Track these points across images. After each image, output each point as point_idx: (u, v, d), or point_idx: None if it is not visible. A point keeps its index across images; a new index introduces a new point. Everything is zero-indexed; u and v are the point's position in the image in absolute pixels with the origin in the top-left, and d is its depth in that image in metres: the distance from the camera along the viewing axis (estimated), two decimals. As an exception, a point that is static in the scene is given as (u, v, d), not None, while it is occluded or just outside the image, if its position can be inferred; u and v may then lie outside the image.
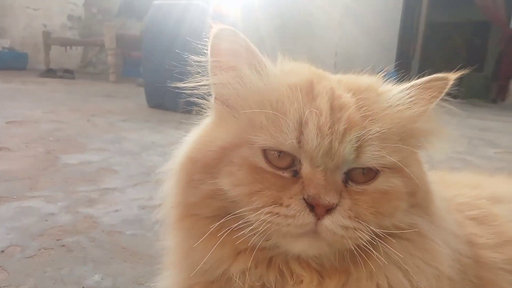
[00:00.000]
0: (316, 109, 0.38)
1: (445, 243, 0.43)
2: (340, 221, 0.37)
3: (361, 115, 0.39)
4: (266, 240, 0.40)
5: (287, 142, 0.38)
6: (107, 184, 1.32)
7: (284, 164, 0.39)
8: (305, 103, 0.39)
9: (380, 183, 0.40)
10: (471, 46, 11.20)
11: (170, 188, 0.48)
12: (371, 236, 0.38)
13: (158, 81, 3.08)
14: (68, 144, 1.84)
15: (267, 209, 0.37)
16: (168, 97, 3.23)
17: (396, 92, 0.44)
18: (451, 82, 0.46)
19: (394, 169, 0.40)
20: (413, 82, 0.45)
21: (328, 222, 0.37)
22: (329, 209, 0.37)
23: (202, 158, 0.43)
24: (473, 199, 0.56)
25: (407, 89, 0.44)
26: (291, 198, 0.37)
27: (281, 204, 0.37)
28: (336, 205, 0.37)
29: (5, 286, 0.71)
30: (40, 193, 1.17)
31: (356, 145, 0.38)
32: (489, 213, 0.54)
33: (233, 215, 0.40)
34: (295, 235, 0.38)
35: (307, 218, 0.37)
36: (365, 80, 0.48)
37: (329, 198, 0.36)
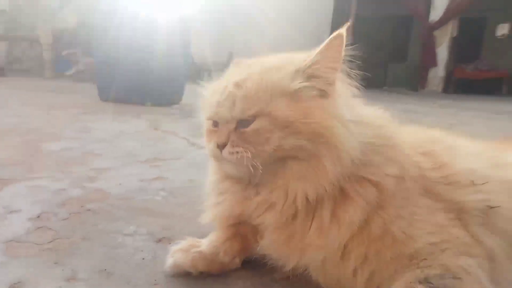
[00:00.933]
0: (219, 92, 0.66)
1: (335, 161, 0.59)
2: (228, 150, 0.62)
3: (235, 86, 0.63)
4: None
5: (211, 114, 0.66)
6: (98, 165, 1.43)
7: (217, 123, 0.66)
8: (218, 89, 0.68)
9: (254, 125, 0.61)
10: (395, 39, 12.11)
11: None
12: (254, 157, 0.60)
13: (111, 75, 3.15)
14: (42, 134, 1.90)
15: (208, 148, 0.67)
16: (121, 90, 3.28)
17: (286, 64, 0.64)
18: (342, 36, 0.60)
19: (263, 115, 0.60)
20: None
21: (224, 151, 0.62)
22: (224, 145, 0.62)
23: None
24: (420, 141, 0.80)
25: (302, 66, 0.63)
26: (213, 142, 0.65)
27: (211, 145, 0.65)
28: (227, 143, 0.62)
29: (58, 239, 0.84)
30: (41, 175, 1.27)
31: (230, 107, 0.63)
32: (430, 149, 0.77)
33: None
34: (220, 161, 0.66)
35: (216, 151, 0.64)
36: (278, 60, 0.68)
37: (221, 140, 0.62)
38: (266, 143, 0.60)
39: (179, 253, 0.72)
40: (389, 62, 11.87)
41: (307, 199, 0.60)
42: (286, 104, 0.60)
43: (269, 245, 0.66)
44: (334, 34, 0.60)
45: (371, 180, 0.60)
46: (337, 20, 9.88)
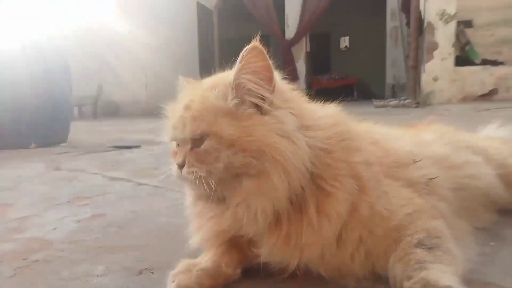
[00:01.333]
0: (174, 115, 0.70)
1: (283, 176, 0.62)
2: (186, 169, 0.66)
3: (185, 109, 0.68)
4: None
5: (169, 136, 0.70)
6: (16, 215, 1.23)
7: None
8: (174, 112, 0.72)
9: (204, 145, 0.65)
10: (258, 57, 13.00)
11: None
12: (209, 175, 0.63)
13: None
14: None
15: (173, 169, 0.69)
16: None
17: (217, 83, 0.69)
18: (257, 48, 0.64)
19: (211, 135, 0.64)
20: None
21: (183, 171, 0.66)
22: (183, 165, 0.66)
23: None
24: (365, 132, 0.89)
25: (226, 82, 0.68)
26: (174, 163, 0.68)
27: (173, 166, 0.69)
28: (185, 162, 0.66)
29: None
30: None
31: (181, 128, 0.67)
32: (375, 139, 0.83)
33: None
34: (182, 181, 0.69)
35: (177, 171, 0.67)
36: (212, 80, 0.72)
37: (179, 160, 0.66)
38: (216, 161, 0.63)
39: (180, 275, 0.69)
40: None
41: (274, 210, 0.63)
42: (229, 123, 0.63)
43: (269, 251, 0.66)
44: (248, 47, 0.63)
45: (344, 172, 0.65)
46: (204, 44, 10.21)
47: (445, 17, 5.24)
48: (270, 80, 0.63)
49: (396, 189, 0.69)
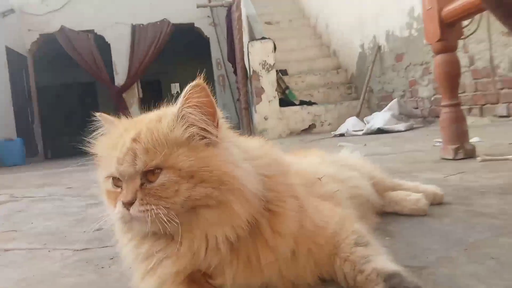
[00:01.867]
0: (116, 149, 0.66)
1: (243, 204, 0.64)
2: (137, 208, 0.63)
3: (133, 142, 0.66)
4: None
5: (109, 172, 0.67)
6: None
7: (119, 183, 0.67)
8: (114, 146, 0.67)
9: (160, 179, 0.64)
10: (84, 104, 12.17)
11: None
12: (168, 211, 0.62)
13: None
14: None
15: (113, 212, 0.66)
16: None
17: (162, 116, 0.69)
18: (201, 85, 0.65)
19: (168, 168, 0.64)
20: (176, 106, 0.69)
21: (132, 210, 0.63)
22: (132, 203, 0.63)
23: None
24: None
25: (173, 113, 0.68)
26: (118, 202, 0.65)
27: (115, 207, 0.65)
28: (135, 200, 0.64)
29: None
30: None
31: (131, 161, 0.64)
32: (289, 163, 0.97)
33: None
34: (129, 221, 0.65)
35: (123, 211, 0.64)
36: (158, 113, 0.72)
37: (128, 198, 0.63)
38: (176, 195, 0.61)
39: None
40: (85, 128, 11.76)
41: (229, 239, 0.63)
42: (186, 155, 0.62)
43: (233, 278, 0.65)
44: (192, 83, 0.64)
45: (287, 194, 0.70)
46: (18, 91, 8.99)
47: (266, 67, 6.03)
48: (213, 115, 0.65)
49: (321, 203, 0.78)
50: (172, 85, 13.67)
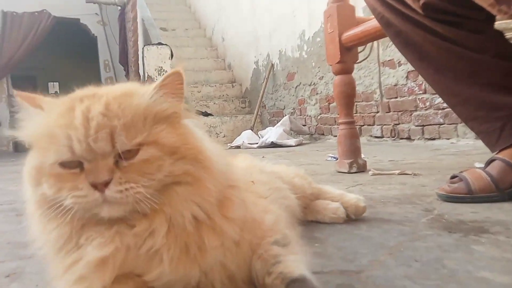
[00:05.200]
0: (75, 127, 0.58)
1: (214, 182, 0.64)
2: (115, 188, 0.57)
3: (107, 117, 0.58)
4: (87, 213, 0.58)
5: (65, 155, 0.58)
6: None
7: (74, 165, 0.58)
8: (68, 125, 0.58)
9: (140, 155, 0.59)
10: None
11: None
12: (146, 190, 0.58)
13: None
14: None
15: (70, 195, 0.57)
16: None
17: (141, 92, 0.63)
18: (181, 74, 0.64)
19: (149, 143, 0.60)
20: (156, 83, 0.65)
21: (108, 192, 0.57)
22: (107, 183, 0.57)
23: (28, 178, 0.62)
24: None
25: (153, 87, 0.64)
26: (82, 184, 0.57)
27: (78, 189, 0.57)
28: (111, 179, 0.57)
29: None
30: None
31: (108, 139, 0.57)
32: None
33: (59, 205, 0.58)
34: (97, 205, 0.57)
35: (94, 194, 0.57)
36: (121, 87, 0.66)
37: (104, 177, 0.57)
38: (158, 171, 0.58)
39: None
40: None
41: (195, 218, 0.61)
42: (168, 131, 0.60)
43: (169, 267, 0.58)
44: (172, 71, 0.63)
45: (236, 184, 0.70)
46: None
47: (162, 73, 5.84)
48: (182, 98, 0.64)
49: (258, 200, 0.79)
50: (50, 83, 12.32)
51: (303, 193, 1.11)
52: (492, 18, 1.28)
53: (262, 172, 1.03)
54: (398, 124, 4.13)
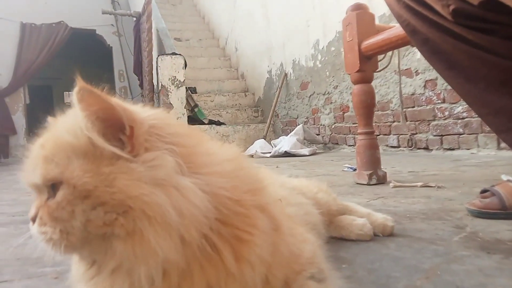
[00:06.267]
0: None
1: (162, 233, 0.48)
2: (35, 227, 0.51)
3: (40, 148, 0.53)
4: None
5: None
6: None
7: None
8: None
9: (57, 196, 0.50)
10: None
11: None
12: (65, 236, 0.49)
13: None
14: None
15: None
16: None
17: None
18: (87, 89, 0.49)
19: (64, 182, 0.49)
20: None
21: (32, 229, 0.52)
22: (34, 220, 0.52)
23: None
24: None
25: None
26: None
27: None
28: (36, 217, 0.52)
29: None
30: None
31: (33, 171, 0.52)
32: None
33: None
34: None
35: (31, 227, 0.52)
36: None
37: (31, 214, 0.52)
38: (72, 218, 0.48)
39: None
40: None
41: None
42: (84, 168, 0.48)
43: None
44: (75, 89, 0.48)
45: (259, 216, 0.58)
46: None
47: (176, 83, 5.85)
48: (117, 121, 0.49)
49: (295, 226, 0.71)
50: (66, 93, 12.49)
51: (328, 209, 1.05)
52: (527, 24, 1.21)
53: (282, 187, 0.97)
54: (415, 134, 4.03)
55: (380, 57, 2.14)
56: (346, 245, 1.01)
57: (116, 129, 0.49)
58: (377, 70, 2.15)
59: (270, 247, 0.57)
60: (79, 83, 0.47)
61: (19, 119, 9.06)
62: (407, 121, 4.08)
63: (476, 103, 1.33)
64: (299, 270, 0.62)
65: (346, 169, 2.85)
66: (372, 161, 2.09)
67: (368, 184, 2.04)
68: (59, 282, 0.84)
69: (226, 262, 0.53)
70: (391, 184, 1.96)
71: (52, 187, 0.49)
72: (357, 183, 2.12)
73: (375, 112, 4.55)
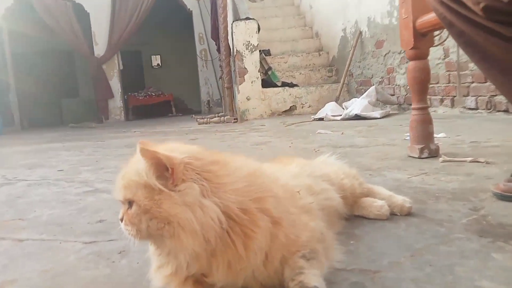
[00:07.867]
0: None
1: (190, 235, 0.77)
2: (123, 226, 0.85)
3: (122, 178, 0.86)
4: None
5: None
6: None
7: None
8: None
9: (132, 209, 0.84)
10: (62, 74, 11.89)
11: None
12: (138, 233, 0.82)
13: None
14: None
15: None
16: None
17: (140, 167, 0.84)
18: (142, 149, 0.79)
19: (135, 202, 0.81)
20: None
21: (121, 225, 0.85)
22: (122, 220, 0.85)
23: None
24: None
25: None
26: None
27: None
28: (122, 218, 0.85)
29: None
30: None
31: (119, 192, 0.86)
32: (275, 177, 1.03)
33: None
34: None
35: (121, 225, 0.86)
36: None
37: (120, 216, 0.85)
38: (140, 223, 0.80)
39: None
40: (62, 98, 11.59)
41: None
42: (144, 196, 0.80)
43: (221, 277, 0.81)
44: (137, 150, 0.80)
45: (262, 218, 0.81)
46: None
47: (250, 47, 6.09)
48: (163, 167, 0.79)
49: (298, 217, 0.92)
50: (153, 57, 13.49)
51: (352, 192, 1.27)
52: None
53: (310, 176, 1.20)
54: (495, 95, 3.83)
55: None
56: (363, 223, 1.23)
57: (163, 169, 0.80)
58: (434, 45, 2.17)
59: (269, 236, 0.83)
60: (141, 144, 0.79)
61: (115, 84, 10.12)
62: (485, 82, 3.88)
63: (511, 93, 1.39)
64: (294, 251, 0.86)
65: (407, 137, 2.92)
66: (425, 136, 2.18)
67: (419, 158, 2.15)
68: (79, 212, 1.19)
69: (239, 250, 0.81)
70: (441, 158, 2.06)
71: (129, 203, 0.83)
72: (409, 156, 2.24)
73: (452, 72, 4.37)
